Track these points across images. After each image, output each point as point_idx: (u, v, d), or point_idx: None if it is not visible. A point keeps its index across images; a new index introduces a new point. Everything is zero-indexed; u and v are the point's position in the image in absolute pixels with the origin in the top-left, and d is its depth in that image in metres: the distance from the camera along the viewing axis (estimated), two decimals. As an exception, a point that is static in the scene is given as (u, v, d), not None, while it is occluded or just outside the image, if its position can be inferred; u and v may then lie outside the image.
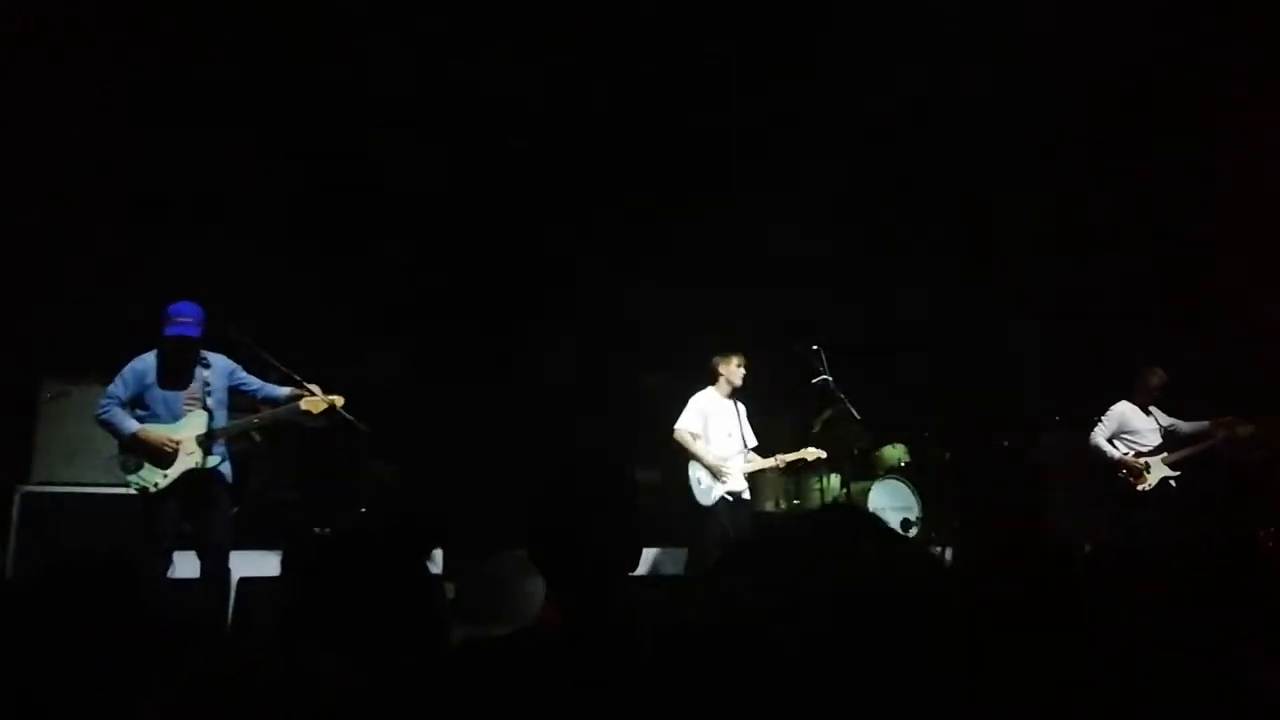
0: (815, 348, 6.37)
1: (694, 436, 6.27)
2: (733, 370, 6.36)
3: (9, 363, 6.07)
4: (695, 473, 6.22)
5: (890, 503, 7.48)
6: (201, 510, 4.90)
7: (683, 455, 6.26)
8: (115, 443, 4.91)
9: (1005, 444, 7.93)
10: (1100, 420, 6.77)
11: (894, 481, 7.65)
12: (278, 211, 6.95)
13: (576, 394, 7.69)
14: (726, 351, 6.42)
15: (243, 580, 4.98)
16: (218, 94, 6.54)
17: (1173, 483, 6.60)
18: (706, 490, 6.18)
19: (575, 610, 1.98)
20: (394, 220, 7.39)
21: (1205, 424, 6.60)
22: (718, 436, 6.32)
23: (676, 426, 6.32)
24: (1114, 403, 6.81)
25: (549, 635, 1.97)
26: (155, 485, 4.83)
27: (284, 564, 5.42)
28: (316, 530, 6.11)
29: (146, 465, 4.84)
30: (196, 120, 6.49)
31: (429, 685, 1.76)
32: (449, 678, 1.80)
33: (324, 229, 7.16)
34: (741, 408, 6.46)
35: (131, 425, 4.87)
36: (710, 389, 6.42)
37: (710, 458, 6.19)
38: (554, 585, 2.04)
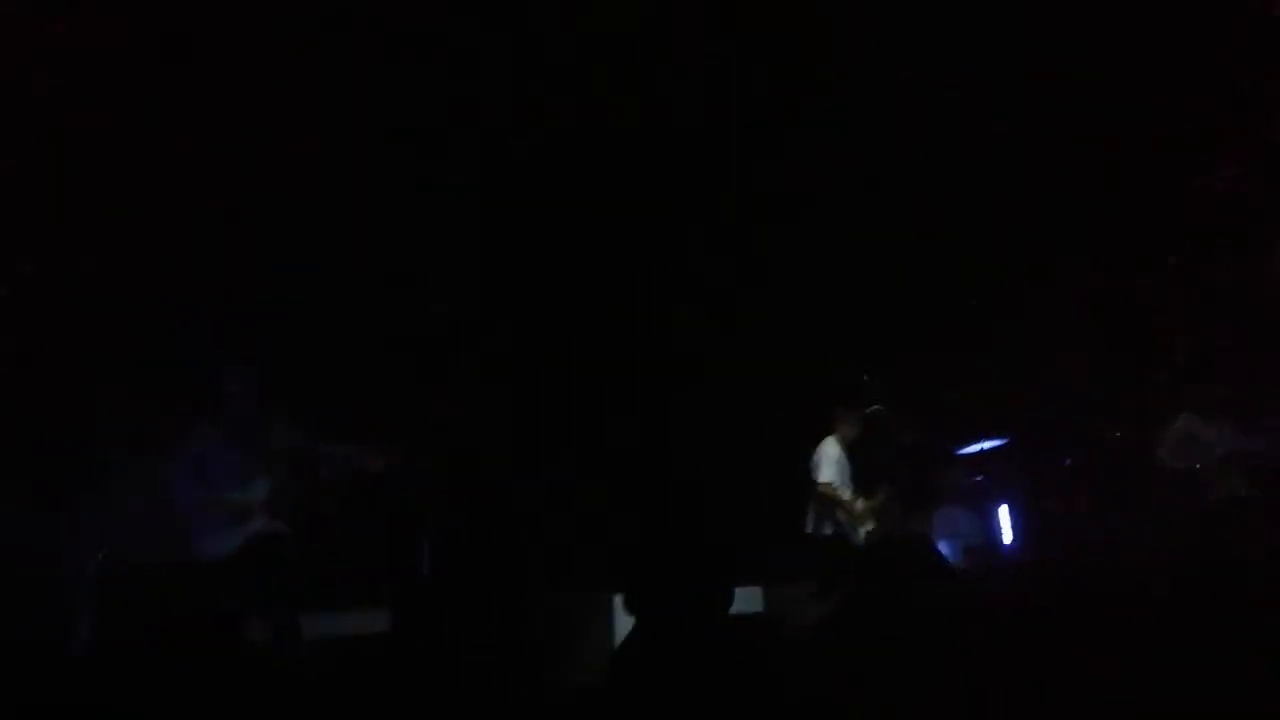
0: (865, 378, 6.42)
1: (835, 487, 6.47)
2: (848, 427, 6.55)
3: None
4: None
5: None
6: (267, 575, 4.99)
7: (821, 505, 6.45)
8: (185, 511, 5.04)
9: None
10: None
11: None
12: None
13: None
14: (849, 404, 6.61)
15: (323, 641, 5.07)
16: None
17: None
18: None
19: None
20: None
21: None
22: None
23: (821, 480, 6.45)
24: None
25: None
26: (220, 552, 4.95)
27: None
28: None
29: (213, 533, 4.97)
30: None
31: None
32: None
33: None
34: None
35: (194, 492, 4.98)
36: (832, 438, 6.58)
37: (857, 508, 6.43)
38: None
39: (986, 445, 7.89)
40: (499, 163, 7.06)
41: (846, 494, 6.44)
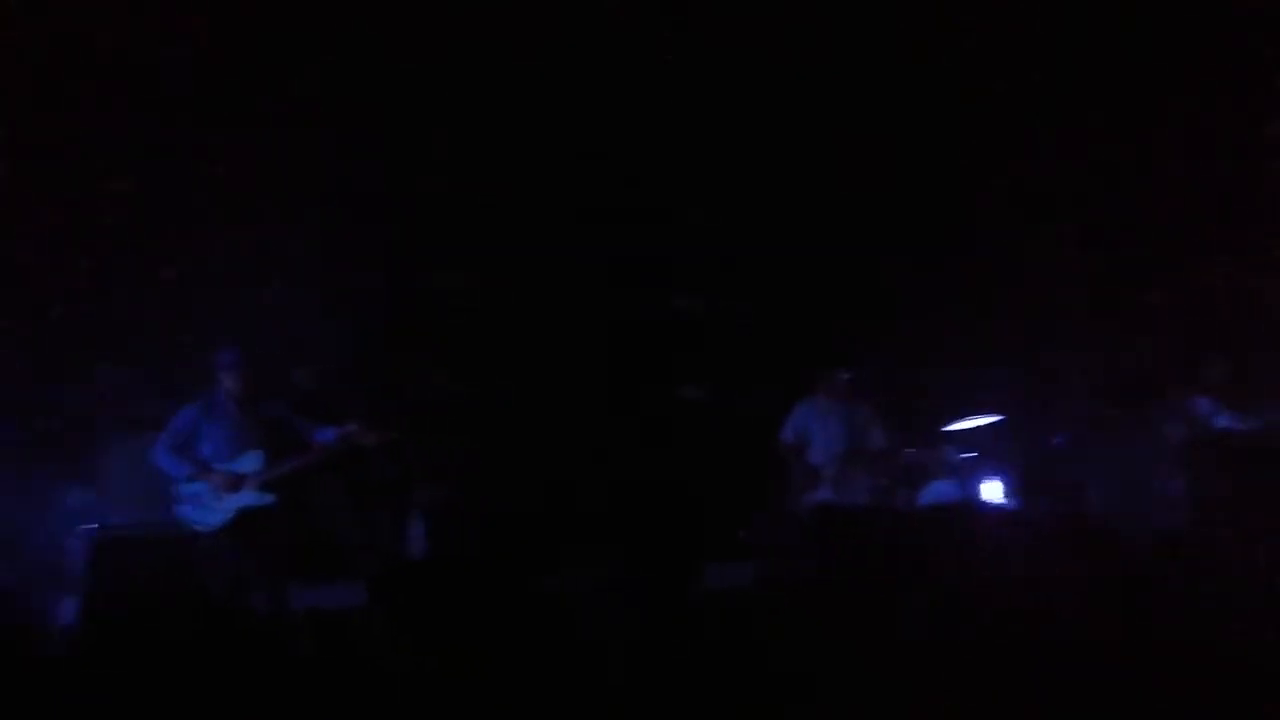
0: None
1: None
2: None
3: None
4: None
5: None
6: (256, 547, 5.03)
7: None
8: (175, 485, 5.08)
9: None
10: None
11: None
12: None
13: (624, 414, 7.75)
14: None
15: (311, 612, 5.10)
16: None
17: None
18: None
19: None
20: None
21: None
22: None
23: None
24: None
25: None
26: (210, 525, 4.99)
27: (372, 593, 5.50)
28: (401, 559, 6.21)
29: (203, 505, 5.01)
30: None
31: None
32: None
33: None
34: None
35: (185, 466, 5.03)
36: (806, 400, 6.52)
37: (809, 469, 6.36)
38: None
39: (978, 422, 7.90)
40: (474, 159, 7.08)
41: (821, 456, 6.28)
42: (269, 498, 5.07)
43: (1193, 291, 7.79)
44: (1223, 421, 6.83)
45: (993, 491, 7.74)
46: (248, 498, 5.04)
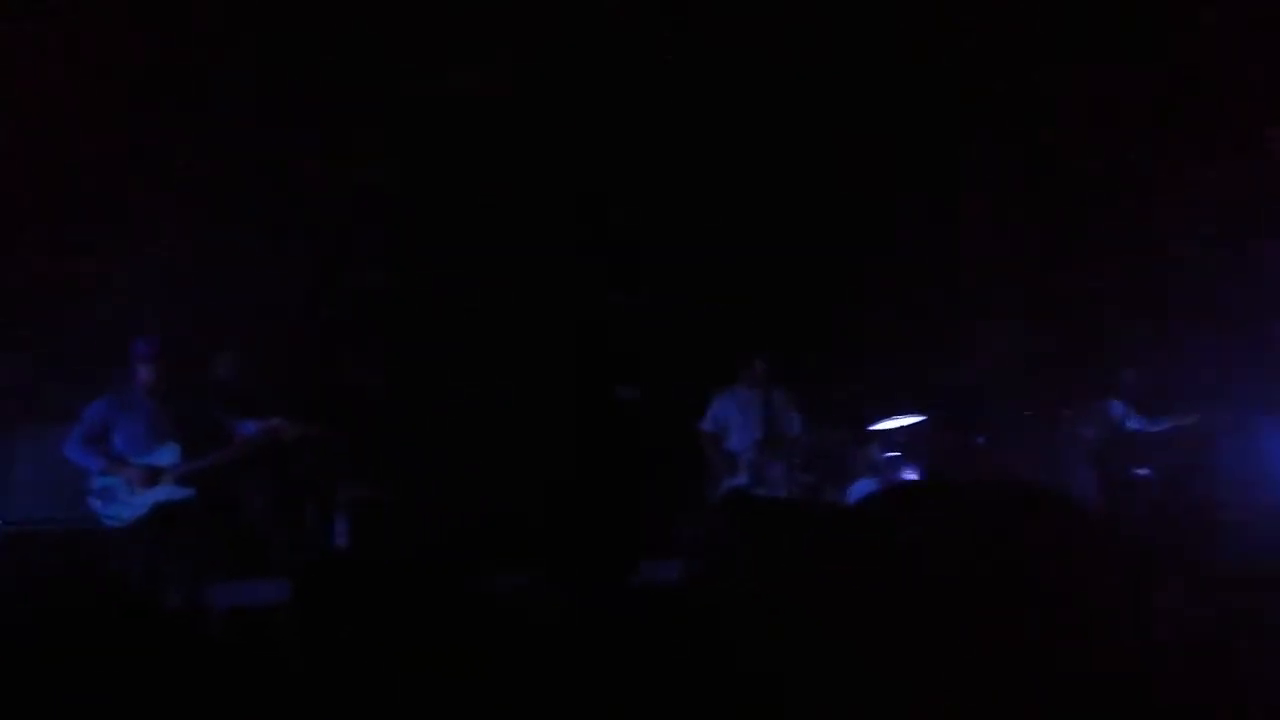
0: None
1: None
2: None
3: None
4: None
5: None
6: (173, 543, 4.89)
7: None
8: (88, 478, 4.92)
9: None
10: None
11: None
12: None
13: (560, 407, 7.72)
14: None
15: (230, 610, 4.97)
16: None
17: None
18: None
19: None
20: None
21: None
22: None
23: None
24: None
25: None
26: (125, 519, 4.84)
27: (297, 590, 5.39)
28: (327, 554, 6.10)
29: (117, 499, 4.86)
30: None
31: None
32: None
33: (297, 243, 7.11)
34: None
35: (99, 460, 4.88)
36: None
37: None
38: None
39: (902, 422, 8.06)
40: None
41: (739, 444, 6.32)
42: (187, 492, 4.93)
43: (1109, 298, 8.05)
44: (1134, 424, 7.23)
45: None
46: (164, 492, 4.89)
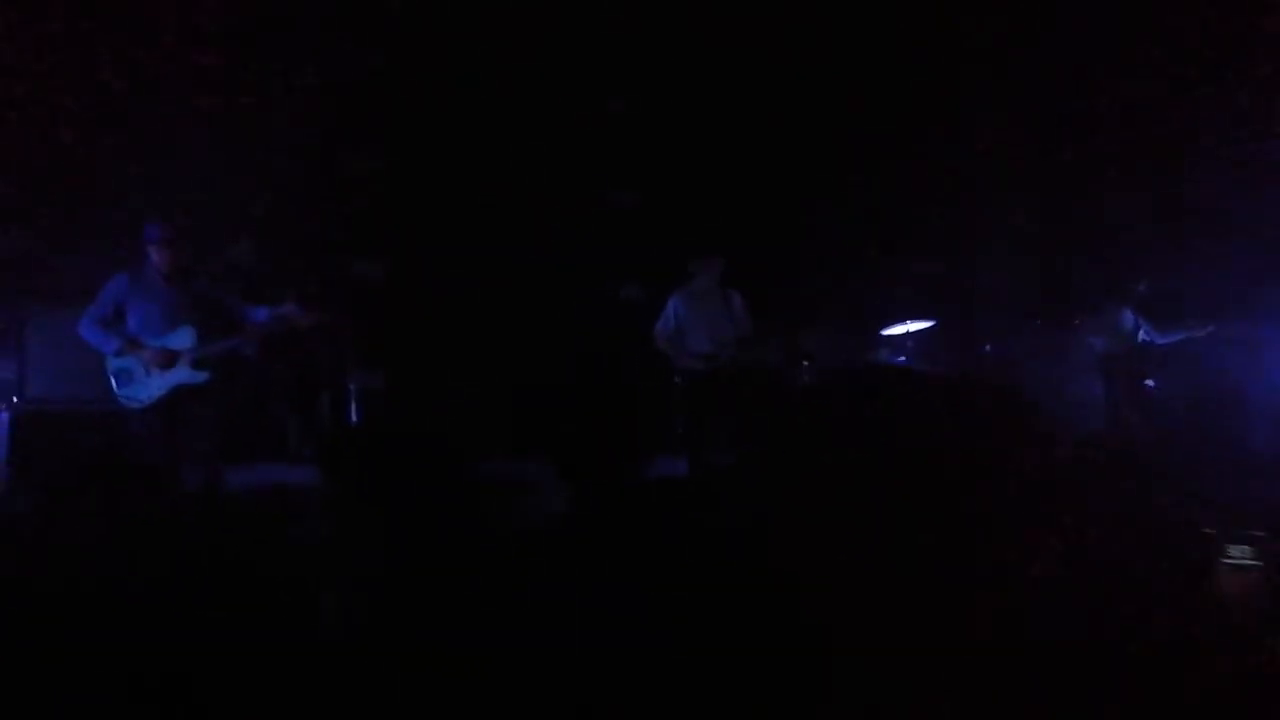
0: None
1: None
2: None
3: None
4: None
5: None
6: (191, 424, 4.95)
7: None
8: (105, 359, 4.95)
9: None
10: None
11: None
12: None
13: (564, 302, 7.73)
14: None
15: (246, 491, 5.07)
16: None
17: None
18: None
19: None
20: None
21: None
22: None
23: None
24: None
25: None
26: (142, 401, 4.88)
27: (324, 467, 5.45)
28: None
29: (134, 381, 4.89)
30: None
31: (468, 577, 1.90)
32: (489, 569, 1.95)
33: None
34: None
35: (114, 341, 4.90)
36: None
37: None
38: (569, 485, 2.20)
39: (911, 327, 8.05)
40: None
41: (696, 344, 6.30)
42: (202, 375, 4.96)
43: (1123, 207, 7.98)
44: (1145, 335, 7.22)
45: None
46: (181, 374, 4.91)
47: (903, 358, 7.95)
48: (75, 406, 5.91)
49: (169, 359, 4.90)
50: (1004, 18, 7.05)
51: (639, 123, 7.65)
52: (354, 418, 6.51)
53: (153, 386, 4.89)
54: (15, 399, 6.01)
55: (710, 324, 6.29)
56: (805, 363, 6.76)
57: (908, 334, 8.00)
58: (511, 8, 6.88)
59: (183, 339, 4.95)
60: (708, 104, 7.47)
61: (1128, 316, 7.27)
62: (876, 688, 1.87)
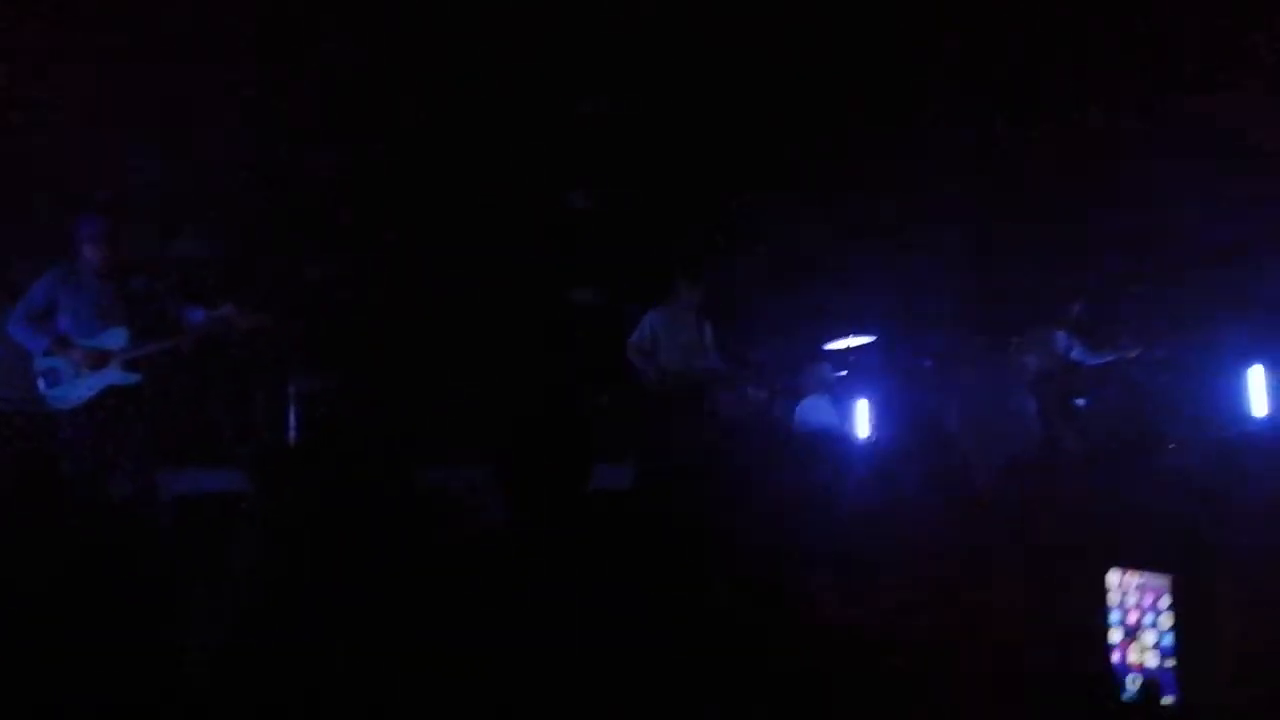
0: None
1: None
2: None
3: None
4: None
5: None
6: (121, 428, 4.81)
7: None
8: (33, 358, 4.80)
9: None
10: None
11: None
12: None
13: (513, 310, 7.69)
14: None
15: (179, 499, 4.94)
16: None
17: None
18: None
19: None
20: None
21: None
22: None
23: None
24: None
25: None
26: (71, 402, 4.74)
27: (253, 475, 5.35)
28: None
29: (63, 381, 4.75)
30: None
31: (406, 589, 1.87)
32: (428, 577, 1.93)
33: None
34: None
35: (43, 339, 4.76)
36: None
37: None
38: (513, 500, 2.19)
39: (853, 342, 8.17)
40: None
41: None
42: (134, 377, 4.82)
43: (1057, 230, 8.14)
44: (1077, 355, 7.42)
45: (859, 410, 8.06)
46: (112, 376, 4.78)
47: (845, 372, 8.07)
48: (3, 406, 5.72)
49: (100, 359, 4.76)
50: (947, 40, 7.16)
51: (595, 125, 7.63)
52: (292, 420, 6.40)
53: (82, 388, 4.74)
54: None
55: (685, 347, 6.45)
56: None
57: (850, 349, 8.12)
58: (474, 6, 6.83)
59: (115, 339, 4.81)
60: (662, 108, 7.48)
61: (1060, 337, 7.47)
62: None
